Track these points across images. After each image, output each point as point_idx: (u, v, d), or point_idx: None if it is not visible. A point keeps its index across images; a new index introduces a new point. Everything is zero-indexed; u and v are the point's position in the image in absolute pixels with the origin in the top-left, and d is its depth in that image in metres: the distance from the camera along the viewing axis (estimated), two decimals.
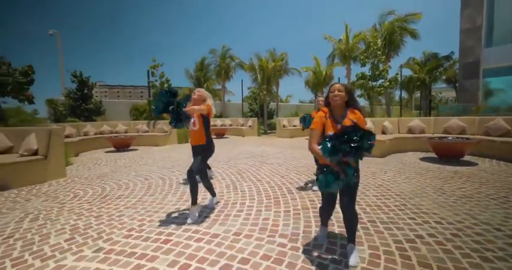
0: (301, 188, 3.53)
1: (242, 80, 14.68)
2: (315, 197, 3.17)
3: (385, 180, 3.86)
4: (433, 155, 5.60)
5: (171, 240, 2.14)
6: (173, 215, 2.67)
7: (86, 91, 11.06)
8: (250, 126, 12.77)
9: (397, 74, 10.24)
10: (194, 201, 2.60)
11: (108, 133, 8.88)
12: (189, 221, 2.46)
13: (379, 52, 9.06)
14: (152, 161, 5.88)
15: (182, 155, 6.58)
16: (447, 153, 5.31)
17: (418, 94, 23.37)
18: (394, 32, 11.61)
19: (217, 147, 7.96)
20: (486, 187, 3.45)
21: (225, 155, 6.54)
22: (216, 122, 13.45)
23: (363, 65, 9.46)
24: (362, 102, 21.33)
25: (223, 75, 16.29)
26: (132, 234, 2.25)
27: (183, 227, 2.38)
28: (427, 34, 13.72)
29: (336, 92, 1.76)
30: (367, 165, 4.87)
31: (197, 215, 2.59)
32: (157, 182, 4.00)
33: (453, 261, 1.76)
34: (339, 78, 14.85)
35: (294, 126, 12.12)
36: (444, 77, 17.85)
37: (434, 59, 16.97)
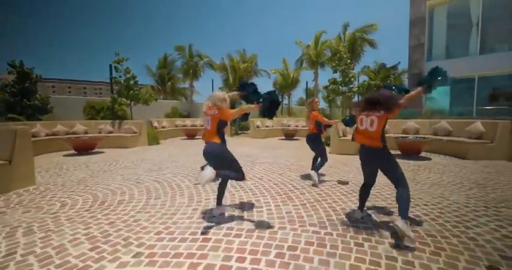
0: (303, 184, 3.86)
1: (212, 80, 14.57)
2: (320, 191, 3.53)
3: None
4: (396, 152, 6.62)
5: (210, 238, 2.20)
6: (195, 216, 2.68)
7: (28, 85, 9.51)
8: None
9: (365, 81, 11.67)
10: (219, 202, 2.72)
11: (64, 134, 7.88)
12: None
13: (348, 60, 10.19)
14: (132, 164, 5.51)
15: (162, 157, 6.31)
16: (409, 150, 6.35)
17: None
18: (355, 41, 13.08)
19: (194, 148, 7.85)
20: (446, 176, 4.32)
21: None
22: (185, 122, 13.05)
23: (335, 71, 10.49)
24: (322, 104, 23.22)
25: (191, 74, 15.84)
26: (164, 237, 2.22)
27: (214, 226, 2.45)
28: (380, 45, 15.81)
29: None
30: (344, 162, 5.50)
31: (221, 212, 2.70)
32: (154, 185, 3.85)
33: (448, 231, 2.28)
34: (306, 82, 16.00)
35: (267, 127, 12.60)
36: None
37: (384, 68, 19.66)
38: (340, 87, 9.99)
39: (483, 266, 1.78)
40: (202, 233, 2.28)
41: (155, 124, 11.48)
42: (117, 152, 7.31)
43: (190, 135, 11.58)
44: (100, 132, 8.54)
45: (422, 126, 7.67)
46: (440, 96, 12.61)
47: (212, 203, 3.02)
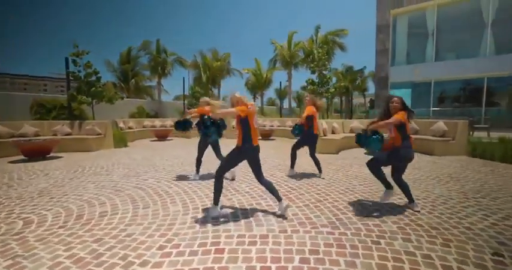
0: (298, 184, 3.87)
1: (184, 78, 13.93)
2: (318, 191, 3.57)
3: (357, 172, 4.69)
4: None
5: (223, 249, 2.04)
6: (197, 225, 2.48)
7: None
8: (193, 127, 12.31)
9: (340, 82, 12.35)
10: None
11: (8, 137, 6.76)
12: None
13: (326, 62, 10.67)
14: (103, 169, 4.95)
15: (137, 161, 5.79)
16: (384, 148, 6.85)
17: (335, 99, 28.19)
18: (327, 44, 13.75)
19: (169, 150, 7.41)
20: (423, 171, 4.74)
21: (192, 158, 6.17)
22: (154, 123, 12.28)
23: (313, 72, 10.88)
24: (293, 104, 23.98)
25: (159, 72, 14.94)
26: (170, 252, 2.00)
27: (222, 234, 2.29)
28: (348, 49, 16.89)
29: (395, 103, 2.73)
30: (329, 161, 5.71)
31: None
32: (137, 193, 3.48)
33: (446, 223, 2.48)
34: (280, 83, 16.27)
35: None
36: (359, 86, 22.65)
37: (351, 71, 21.10)
38: (318, 88, 10.44)
39: (488, 253, 1.96)
40: (212, 244, 2.11)
41: (121, 125, 10.56)
42: (79, 156, 6.51)
43: (161, 136, 10.91)
44: (55, 134, 7.53)
45: None
46: (403, 97, 13.96)
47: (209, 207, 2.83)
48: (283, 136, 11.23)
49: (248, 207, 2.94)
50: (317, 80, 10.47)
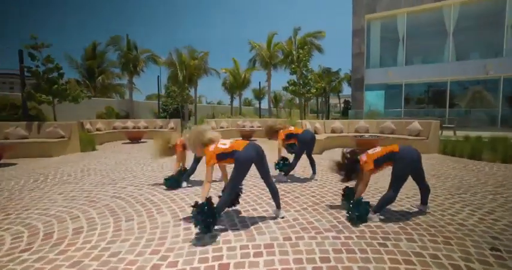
0: (291, 186, 3.81)
1: (159, 76, 13.23)
2: (312, 192, 3.54)
3: None
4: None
5: (228, 263, 1.88)
6: (192, 237, 2.28)
7: None
8: (172, 129, 11.77)
9: (321, 83, 12.67)
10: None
11: None
12: None
13: (308, 63, 10.87)
14: (71, 177, 4.43)
15: (110, 166, 5.31)
16: (367, 148, 7.12)
17: (311, 100, 29.13)
18: (306, 45, 14.08)
19: (145, 154, 6.95)
20: None
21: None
22: (126, 124, 11.50)
23: (294, 73, 11.02)
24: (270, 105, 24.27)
25: (130, 69, 14.04)
26: None
27: (223, 246, 2.12)
28: (325, 51, 17.47)
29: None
30: (316, 162, 5.78)
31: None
32: (116, 203, 3.15)
33: (440, 220, 2.59)
34: (259, 83, 16.31)
35: (221, 127, 12.28)
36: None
37: (328, 73, 21.90)
38: (299, 88, 10.60)
39: (486, 248, 2.05)
40: (214, 258, 1.94)
41: (87, 126, 9.69)
42: (38, 162, 5.80)
43: (134, 138, 10.23)
44: (7, 138, 6.65)
45: (371, 125, 8.74)
46: (377, 98, 14.80)
47: None
48: (264, 136, 11.20)
49: (245, 214, 2.80)
50: (298, 81, 10.63)
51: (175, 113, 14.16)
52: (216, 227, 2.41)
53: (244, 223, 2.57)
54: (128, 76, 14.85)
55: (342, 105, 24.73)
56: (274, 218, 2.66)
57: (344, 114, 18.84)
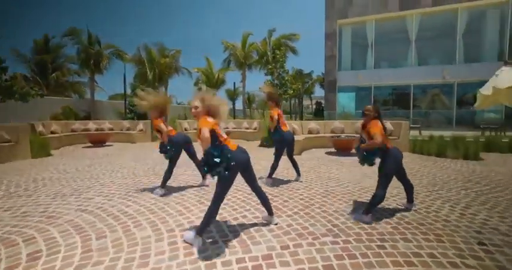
0: (277, 190, 3.72)
1: (125, 74, 12.27)
2: (300, 195, 3.49)
3: (328, 172, 4.85)
4: (331, 149, 7.56)
5: None
6: (179, 253, 2.05)
7: None
8: (141, 130, 11.04)
9: (298, 84, 12.86)
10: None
11: None
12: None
13: (285, 64, 10.96)
14: (19, 189, 3.82)
15: (70, 173, 4.71)
16: (344, 148, 7.37)
17: (286, 101, 29.73)
18: (280, 47, 14.27)
19: (116, 158, 6.39)
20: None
21: (144, 166, 5.39)
22: (88, 126, 10.51)
23: (271, 73, 11.02)
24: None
25: (91, 66, 12.85)
26: None
27: (217, 260, 1.93)
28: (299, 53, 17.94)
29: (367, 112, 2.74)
30: (299, 163, 5.81)
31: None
32: (83, 218, 2.76)
33: (427, 218, 2.69)
34: (234, 83, 16.12)
35: (195, 129, 11.86)
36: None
37: (300, 74, 22.52)
38: (277, 89, 10.66)
39: (474, 243, 2.15)
40: None
41: (40, 128, 8.60)
42: None
43: (97, 141, 9.36)
44: None
45: (346, 126, 9.09)
46: (349, 100, 15.58)
47: (187, 228, 2.41)
48: (239, 138, 11.05)
49: (234, 222, 2.62)
50: (275, 82, 10.72)
51: (144, 113, 13.30)
52: (206, 240, 2.21)
53: (235, 233, 2.39)
54: (89, 73, 13.55)
55: (314, 106, 25.60)
56: (266, 225, 2.54)
57: (316, 115, 19.51)
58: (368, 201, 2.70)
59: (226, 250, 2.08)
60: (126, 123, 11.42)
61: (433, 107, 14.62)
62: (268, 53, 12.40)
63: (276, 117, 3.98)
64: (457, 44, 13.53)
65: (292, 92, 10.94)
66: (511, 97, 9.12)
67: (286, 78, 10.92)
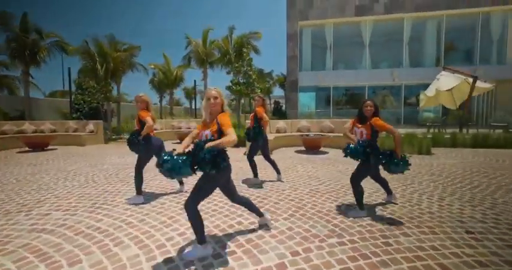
0: (264, 192, 3.62)
1: (70, 68, 10.58)
2: (287, 195, 3.44)
3: (306, 171, 4.92)
4: (299, 148, 7.78)
5: None
6: None
7: None
8: (92, 132, 9.77)
9: (267, 83, 12.79)
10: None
11: None
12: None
13: (252, 62, 10.81)
14: None
15: (7, 185, 3.85)
16: (313, 146, 7.65)
17: (242, 100, 29.78)
18: (242, 46, 14.15)
19: (65, 163, 5.50)
20: (351, 167, 5.52)
21: (104, 172, 4.73)
22: (23, 127, 8.91)
23: (238, 72, 10.78)
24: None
25: (26, 58, 10.80)
26: None
27: None
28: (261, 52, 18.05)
29: (368, 107, 2.74)
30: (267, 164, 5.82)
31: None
32: (44, 239, 2.24)
33: (414, 211, 2.89)
34: (194, 81, 15.38)
35: (155, 129, 11.04)
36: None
37: (261, 74, 22.73)
38: (244, 88, 10.49)
39: (462, 232, 2.37)
40: None
41: None
42: None
43: (36, 145, 7.96)
44: None
45: (312, 125, 9.46)
46: (310, 100, 16.33)
47: (180, 241, 2.15)
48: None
49: (231, 231, 2.43)
50: (242, 81, 10.54)
51: (92, 112, 11.77)
52: (209, 253, 1.98)
53: (236, 242, 2.21)
54: (23, 67, 11.30)
55: (273, 105, 26.17)
56: (265, 229, 2.41)
57: (275, 114, 20.05)
58: (354, 200, 2.86)
59: (234, 263, 1.89)
60: (72, 124, 9.98)
61: (384, 106, 16.29)
62: (231, 52, 12.12)
63: (267, 118, 4.00)
64: (404, 49, 15.29)
65: (259, 91, 10.93)
66: (448, 99, 10.77)
67: (254, 77, 10.85)
